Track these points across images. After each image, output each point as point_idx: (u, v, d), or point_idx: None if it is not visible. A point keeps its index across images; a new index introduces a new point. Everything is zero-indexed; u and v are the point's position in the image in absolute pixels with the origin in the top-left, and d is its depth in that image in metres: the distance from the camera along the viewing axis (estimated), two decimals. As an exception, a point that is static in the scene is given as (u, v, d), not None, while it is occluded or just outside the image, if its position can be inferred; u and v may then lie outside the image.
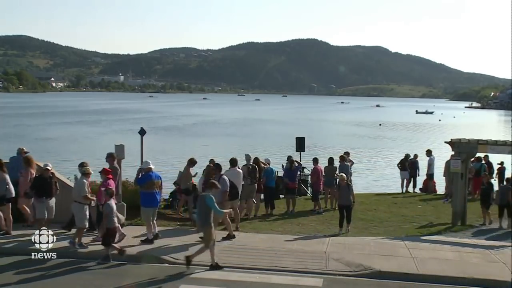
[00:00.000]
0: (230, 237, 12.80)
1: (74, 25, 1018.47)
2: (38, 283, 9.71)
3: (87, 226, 12.07)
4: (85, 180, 11.95)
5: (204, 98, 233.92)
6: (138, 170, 13.03)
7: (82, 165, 12.25)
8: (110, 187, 11.90)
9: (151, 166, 12.53)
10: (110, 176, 12.42)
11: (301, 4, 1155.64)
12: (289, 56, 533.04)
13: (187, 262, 10.60)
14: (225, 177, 13.08)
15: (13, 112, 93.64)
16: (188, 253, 11.05)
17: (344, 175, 14.63)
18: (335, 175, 18.51)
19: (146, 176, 12.33)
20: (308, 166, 23.11)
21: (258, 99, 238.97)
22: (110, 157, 13.33)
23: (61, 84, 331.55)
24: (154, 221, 12.56)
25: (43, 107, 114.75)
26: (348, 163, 19.02)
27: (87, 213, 11.99)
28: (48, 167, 12.61)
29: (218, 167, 13.39)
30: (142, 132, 15.25)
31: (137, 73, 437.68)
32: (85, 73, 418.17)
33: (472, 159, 19.86)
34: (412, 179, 23.03)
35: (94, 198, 12.18)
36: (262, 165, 16.81)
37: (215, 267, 10.62)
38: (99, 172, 12.57)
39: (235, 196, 13.54)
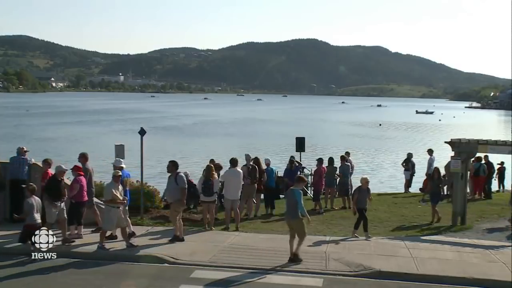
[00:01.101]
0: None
1: (74, 25, 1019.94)
2: (38, 283, 9.70)
3: (109, 229, 12.01)
4: (113, 184, 11.87)
5: (205, 98, 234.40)
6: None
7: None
8: (81, 183, 12.16)
9: (123, 165, 12.99)
10: (82, 173, 12.59)
11: (301, 4, 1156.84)
12: (289, 56, 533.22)
13: (295, 259, 10.90)
14: (182, 174, 12.64)
15: (13, 112, 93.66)
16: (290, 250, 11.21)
17: (367, 177, 14.38)
18: (336, 175, 18.55)
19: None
20: (309, 166, 23.15)
21: (260, 99, 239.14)
22: (82, 157, 13.41)
23: (61, 84, 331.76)
24: (128, 218, 12.64)
25: (43, 107, 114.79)
26: (348, 164, 19.03)
27: (117, 215, 11.80)
28: (62, 169, 12.41)
29: (174, 163, 12.73)
30: (142, 132, 15.22)
31: (137, 73, 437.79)
32: (85, 73, 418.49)
33: (473, 159, 19.87)
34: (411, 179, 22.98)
35: (125, 201, 12.18)
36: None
37: (293, 259, 10.93)
38: (71, 169, 12.71)
39: (193, 195, 13.23)
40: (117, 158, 13.68)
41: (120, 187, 12.00)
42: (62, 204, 12.21)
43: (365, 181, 13.87)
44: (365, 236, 13.35)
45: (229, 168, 14.60)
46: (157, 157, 39.37)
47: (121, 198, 11.88)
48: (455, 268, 10.81)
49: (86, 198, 12.71)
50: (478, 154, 18.08)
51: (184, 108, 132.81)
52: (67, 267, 10.61)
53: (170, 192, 12.77)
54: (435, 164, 22.77)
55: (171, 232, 12.94)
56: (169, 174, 12.70)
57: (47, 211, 12.00)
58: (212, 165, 14.52)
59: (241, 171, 14.66)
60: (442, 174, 16.90)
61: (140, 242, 12.31)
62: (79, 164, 13.12)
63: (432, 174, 16.35)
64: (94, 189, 13.60)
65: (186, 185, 12.62)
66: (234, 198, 14.33)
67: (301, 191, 11.32)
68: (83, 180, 12.59)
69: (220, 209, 15.53)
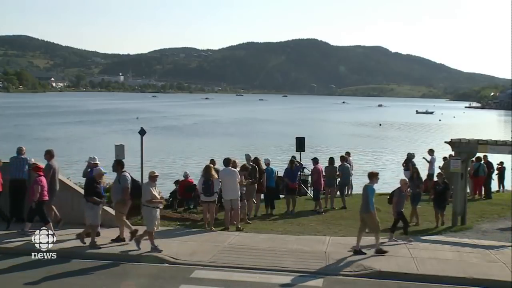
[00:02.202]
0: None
1: (74, 25, 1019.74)
2: (38, 283, 9.70)
3: (155, 229, 11.85)
4: (150, 184, 11.76)
5: (206, 98, 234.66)
6: (86, 166, 13.67)
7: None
8: (42, 184, 12.13)
9: (97, 161, 13.30)
10: (41, 173, 12.54)
11: (301, 4, 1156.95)
12: (289, 56, 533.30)
13: (381, 252, 11.53)
14: (126, 173, 12.42)
15: (13, 112, 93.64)
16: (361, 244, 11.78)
17: (405, 179, 14.26)
18: (336, 175, 18.55)
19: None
20: (309, 166, 23.14)
21: (262, 99, 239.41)
22: (47, 154, 13.43)
23: (61, 84, 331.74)
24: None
25: (43, 107, 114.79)
26: (348, 165, 19.03)
27: (156, 215, 11.80)
28: (101, 172, 12.32)
29: (119, 162, 12.65)
30: (142, 132, 15.24)
31: (137, 73, 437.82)
32: (85, 73, 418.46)
33: (472, 159, 19.84)
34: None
35: (162, 201, 12.11)
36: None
37: (380, 251, 11.58)
38: (30, 169, 12.75)
39: (139, 195, 13.03)
40: (91, 156, 13.80)
41: (157, 188, 11.86)
42: (100, 206, 12.16)
43: (404, 183, 13.61)
44: (406, 240, 12.95)
45: (223, 168, 14.58)
46: (159, 157, 39.49)
47: (158, 197, 11.81)
48: (455, 268, 10.80)
49: (46, 197, 12.51)
50: (478, 154, 18.06)
51: (185, 108, 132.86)
52: (67, 267, 10.61)
53: (113, 192, 12.63)
54: (436, 164, 22.90)
55: (171, 232, 12.96)
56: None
57: (87, 213, 11.98)
58: (211, 165, 14.53)
59: (235, 170, 14.54)
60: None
61: (140, 242, 12.31)
62: (40, 164, 13.03)
63: (412, 174, 15.91)
64: (58, 187, 13.44)
65: (129, 185, 12.28)
66: (232, 197, 14.24)
67: (373, 188, 11.95)
68: (43, 180, 12.43)
69: (221, 209, 15.55)
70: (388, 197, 14.24)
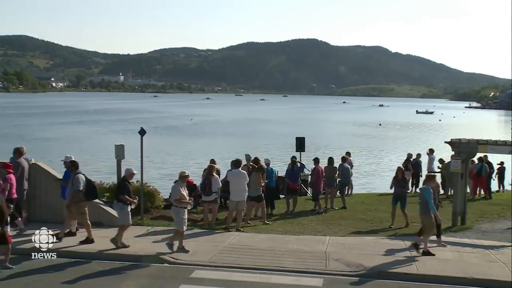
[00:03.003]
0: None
1: (74, 25, 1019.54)
2: (37, 283, 9.70)
3: (184, 229, 11.83)
4: (180, 184, 11.77)
5: (207, 98, 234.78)
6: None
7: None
8: (11, 181, 12.19)
9: (73, 159, 13.20)
10: (11, 170, 12.58)
11: (301, 4, 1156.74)
12: (289, 56, 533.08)
13: (429, 254, 11.64)
14: (80, 175, 12.31)
15: (13, 112, 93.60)
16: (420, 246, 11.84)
17: (437, 182, 14.35)
18: (335, 176, 18.53)
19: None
20: (308, 166, 23.14)
21: (263, 99, 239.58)
22: (16, 153, 13.48)
23: (61, 84, 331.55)
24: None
25: (43, 107, 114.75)
26: (348, 165, 19.02)
27: (185, 216, 11.78)
28: (132, 172, 12.25)
29: (74, 163, 12.59)
30: (142, 132, 15.22)
31: (137, 73, 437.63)
32: (85, 73, 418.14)
33: (475, 159, 19.83)
34: (414, 179, 22.88)
35: (190, 201, 12.10)
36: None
37: (426, 253, 11.65)
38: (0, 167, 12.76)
39: (94, 196, 12.76)
40: (67, 155, 13.83)
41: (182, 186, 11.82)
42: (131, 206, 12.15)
43: (436, 185, 13.68)
44: (438, 243, 12.77)
45: (231, 169, 14.54)
46: (161, 157, 39.48)
47: (187, 198, 11.79)
48: (455, 268, 10.81)
49: (15, 195, 12.55)
50: (479, 155, 18.05)
51: (187, 108, 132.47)
52: (67, 267, 10.61)
53: (67, 194, 12.58)
54: (435, 164, 22.91)
55: (171, 232, 12.94)
56: None
57: (119, 213, 12.04)
58: (213, 165, 14.53)
59: (244, 172, 14.52)
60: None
61: (140, 242, 12.34)
62: (8, 161, 13.07)
63: (396, 174, 15.41)
64: (27, 185, 13.46)
65: (81, 187, 12.17)
66: (239, 199, 14.21)
67: (430, 190, 12.09)
68: (13, 178, 12.50)
69: (222, 209, 15.54)
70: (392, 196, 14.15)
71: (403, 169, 16.25)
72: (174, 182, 12.24)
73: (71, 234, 12.65)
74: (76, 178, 12.24)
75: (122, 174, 14.32)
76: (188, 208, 12.32)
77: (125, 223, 11.96)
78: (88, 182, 12.45)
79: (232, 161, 14.85)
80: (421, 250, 11.77)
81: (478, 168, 20.56)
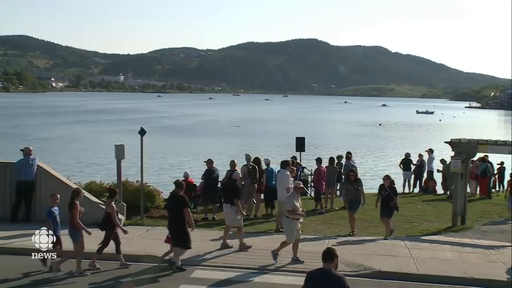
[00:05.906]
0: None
1: (74, 25, 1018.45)
2: (37, 283, 9.70)
3: (293, 242, 11.21)
4: (294, 195, 11.30)
5: (210, 98, 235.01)
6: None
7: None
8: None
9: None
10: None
11: (301, 4, 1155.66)
12: (289, 56, 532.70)
13: None
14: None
15: (13, 112, 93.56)
16: None
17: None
18: (336, 176, 18.51)
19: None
20: (309, 166, 23.12)
21: (267, 99, 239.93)
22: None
23: (61, 84, 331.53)
24: None
25: (43, 107, 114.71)
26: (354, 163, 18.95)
27: (296, 227, 11.23)
28: (237, 171, 12.32)
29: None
30: (142, 132, 15.22)
31: (137, 73, 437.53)
32: (85, 73, 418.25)
33: (478, 160, 19.83)
34: (417, 179, 22.83)
35: (304, 213, 11.53)
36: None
37: None
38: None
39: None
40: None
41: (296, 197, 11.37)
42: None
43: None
44: None
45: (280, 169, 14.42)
46: (161, 157, 39.46)
47: (300, 210, 11.30)
48: (455, 268, 10.81)
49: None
50: (481, 155, 18.06)
51: (189, 108, 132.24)
52: (67, 267, 10.60)
53: None
54: (435, 163, 22.91)
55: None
56: None
57: (232, 216, 12.10)
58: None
59: (288, 172, 14.00)
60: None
61: (140, 242, 12.33)
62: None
63: (348, 177, 15.01)
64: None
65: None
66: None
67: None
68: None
69: (220, 209, 15.52)
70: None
71: (355, 171, 15.70)
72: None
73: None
74: None
75: (122, 174, 14.37)
76: (301, 221, 11.59)
77: (238, 225, 12.06)
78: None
79: (282, 161, 14.46)
80: None
81: (483, 168, 20.56)
